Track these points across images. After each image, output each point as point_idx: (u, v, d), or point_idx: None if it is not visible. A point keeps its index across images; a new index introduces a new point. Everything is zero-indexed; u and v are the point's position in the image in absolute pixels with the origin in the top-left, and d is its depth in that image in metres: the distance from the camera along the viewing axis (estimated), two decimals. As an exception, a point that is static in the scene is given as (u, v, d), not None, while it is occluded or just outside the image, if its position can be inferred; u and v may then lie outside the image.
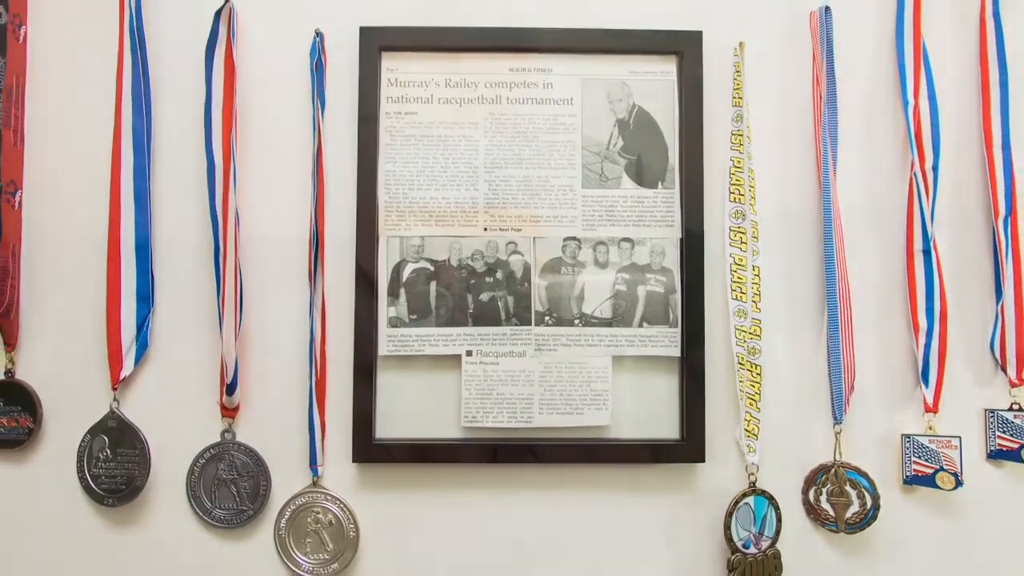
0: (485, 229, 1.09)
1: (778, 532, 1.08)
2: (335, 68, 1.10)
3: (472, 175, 1.09)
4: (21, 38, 1.07)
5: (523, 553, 1.09)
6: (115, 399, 1.06)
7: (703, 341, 1.09)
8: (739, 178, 1.10)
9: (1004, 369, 1.11)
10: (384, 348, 1.08)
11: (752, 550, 1.07)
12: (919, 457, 1.09)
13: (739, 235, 1.10)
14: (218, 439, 1.07)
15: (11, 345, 1.06)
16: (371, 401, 1.07)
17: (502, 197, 1.09)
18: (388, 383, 1.09)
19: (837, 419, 1.10)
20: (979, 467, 1.11)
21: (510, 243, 1.09)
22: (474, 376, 1.08)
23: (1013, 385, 1.11)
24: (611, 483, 1.09)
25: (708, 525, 1.09)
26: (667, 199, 1.10)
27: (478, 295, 1.09)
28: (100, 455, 1.05)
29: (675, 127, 1.11)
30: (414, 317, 1.08)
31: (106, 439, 1.05)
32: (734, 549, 1.07)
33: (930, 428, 1.10)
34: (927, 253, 1.10)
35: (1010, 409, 1.10)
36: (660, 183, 1.11)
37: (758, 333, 1.09)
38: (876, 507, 1.08)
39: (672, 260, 1.10)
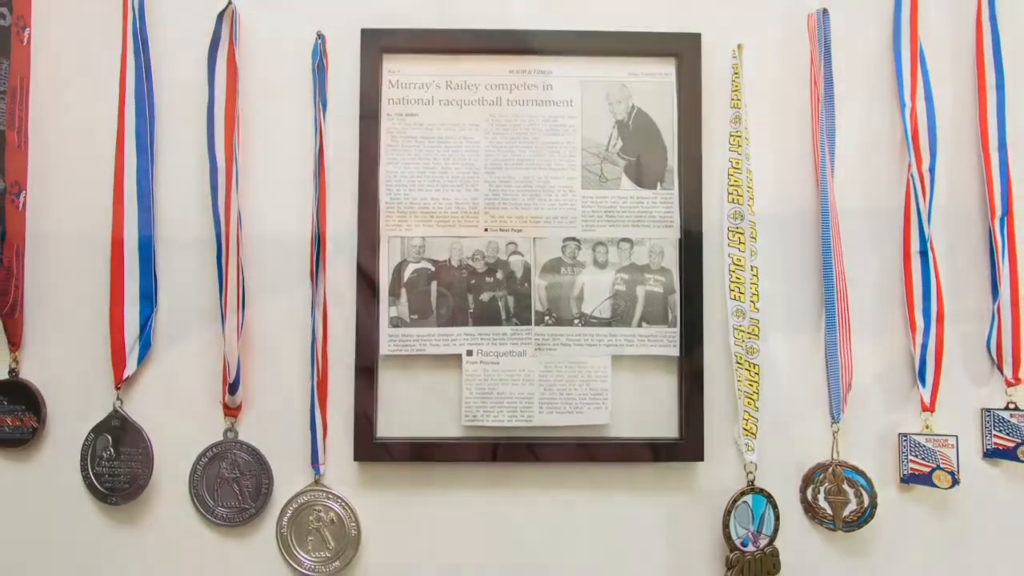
0: (485, 230, 1.10)
1: (776, 530, 1.08)
2: (337, 70, 1.10)
3: (472, 176, 1.10)
4: (25, 40, 1.07)
5: (523, 551, 1.09)
6: (118, 398, 1.07)
7: (702, 341, 1.09)
8: (737, 179, 1.11)
9: (1000, 369, 1.12)
10: (385, 348, 1.08)
11: (750, 548, 1.08)
12: (916, 456, 1.09)
13: (737, 235, 1.11)
14: (221, 438, 1.08)
15: (15, 345, 1.07)
16: (372, 400, 1.08)
17: (502, 198, 1.10)
18: (389, 382, 1.09)
19: (835, 418, 1.10)
20: (976, 466, 1.11)
21: (510, 243, 1.10)
22: (474, 375, 1.08)
23: (1009, 384, 1.11)
24: (610, 482, 1.10)
25: (707, 523, 1.09)
26: (666, 200, 1.11)
27: (478, 295, 1.09)
28: (104, 454, 1.06)
29: (674, 128, 1.11)
30: (415, 317, 1.09)
31: (109, 438, 1.06)
32: (732, 547, 1.07)
33: (927, 427, 1.11)
34: (924, 253, 1.11)
35: (1006, 408, 1.11)
36: (659, 184, 1.11)
37: (756, 333, 1.10)
38: (873, 505, 1.08)
39: (671, 260, 1.10)
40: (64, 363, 1.08)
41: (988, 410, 1.11)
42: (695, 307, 1.10)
